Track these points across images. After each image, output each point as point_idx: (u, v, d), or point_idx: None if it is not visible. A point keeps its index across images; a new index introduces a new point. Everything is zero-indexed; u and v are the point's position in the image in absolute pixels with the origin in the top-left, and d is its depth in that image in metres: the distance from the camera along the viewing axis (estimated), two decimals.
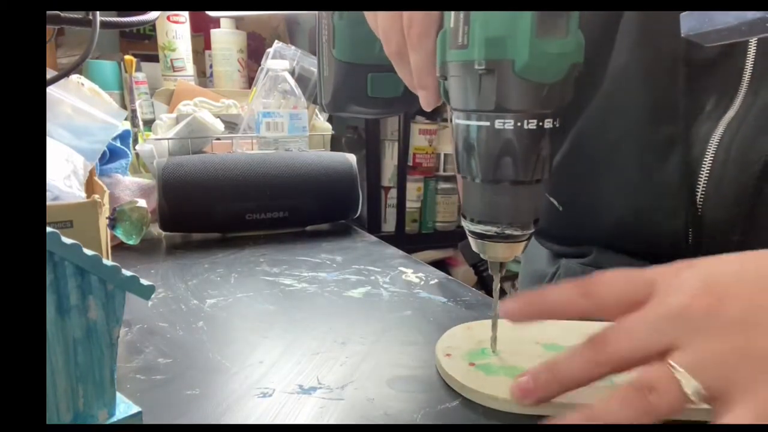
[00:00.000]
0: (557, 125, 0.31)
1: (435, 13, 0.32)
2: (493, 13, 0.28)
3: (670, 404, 0.27)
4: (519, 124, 0.30)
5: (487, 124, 0.31)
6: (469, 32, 0.29)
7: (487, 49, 0.29)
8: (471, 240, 0.35)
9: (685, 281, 0.29)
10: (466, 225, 0.34)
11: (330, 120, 1.05)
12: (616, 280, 0.30)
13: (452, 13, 0.30)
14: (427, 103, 0.36)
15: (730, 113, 0.43)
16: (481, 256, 0.35)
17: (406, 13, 0.33)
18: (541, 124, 0.30)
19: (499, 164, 0.31)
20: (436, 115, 1.66)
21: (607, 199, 0.51)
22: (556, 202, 0.55)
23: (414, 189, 1.69)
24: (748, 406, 0.26)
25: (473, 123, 0.31)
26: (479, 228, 0.33)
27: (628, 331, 0.29)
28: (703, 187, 0.44)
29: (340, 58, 0.42)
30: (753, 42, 0.42)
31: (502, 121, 0.30)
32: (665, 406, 0.27)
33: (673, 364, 0.27)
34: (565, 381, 0.31)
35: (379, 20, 0.35)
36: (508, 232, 0.33)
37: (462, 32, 0.30)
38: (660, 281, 0.30)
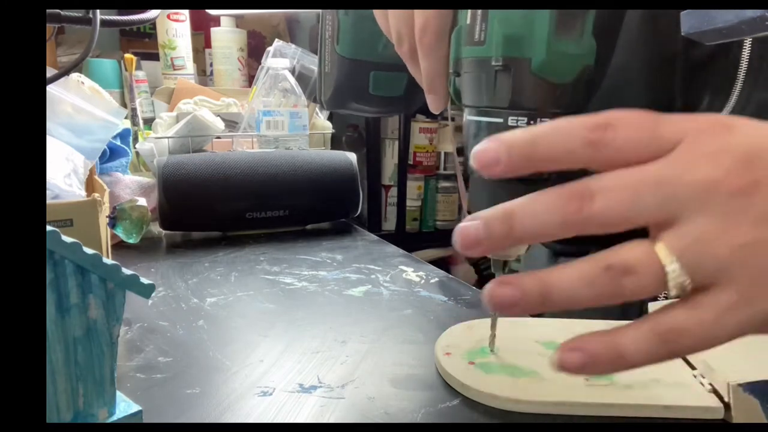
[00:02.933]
0: None
1: (448, 20, 0.32)
2: (512, 10, 0.28)
3: (644, 293, 0.23)
4: (532, 122, 0.30)
5: (500, 121, 0.31)
6: (487, 29, 0.29)
7: (505, 46, 0.29)
8: None
9: (724, 149, 0.22)
10: None
11: (330, 119, 1.05)
12: (637, 132, 0.23)
13: (469, 11, 0.30)
14: (435, 107, 0.36)
15: (725, 111, 0.43)
16: (486, 254, 0.35)
17: (418, 20, 0.33)
18: None
19: None
20: (437, 113, 1.66)
21: None
22: None
23: (414, 187, 1.69)
24: (734, 295, 0.22)
25: (485, 119, 0.31)
26: None
27: (632, 186, 0.23)
28: None
29: (343, 55, 0.42)
30: (749, 39, 0.42)
31: (516, 118, 0.30)
32: (638, 294, 0.23)
33: (662, 246, 0.22)
34: (525, 237, 0.25)
35: (391, 22, 0.35)
36: None
37: (479, 29, 0.30)
38: (691, 141, 0.23)
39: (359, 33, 0.41)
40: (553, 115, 0.30)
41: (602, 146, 0.23)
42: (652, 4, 0.43)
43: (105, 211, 0.52)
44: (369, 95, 0.43)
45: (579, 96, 0.31)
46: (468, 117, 0.33)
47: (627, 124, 0.23)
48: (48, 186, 0.49)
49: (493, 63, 0.29)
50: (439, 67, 0.33)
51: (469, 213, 0.35)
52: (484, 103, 0.31)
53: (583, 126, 0.24)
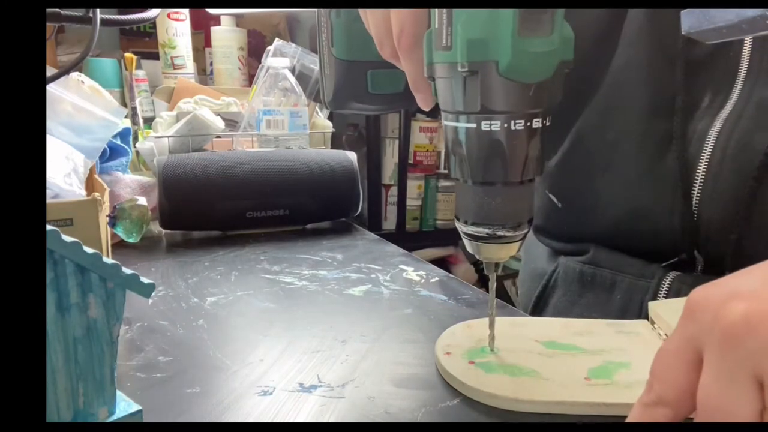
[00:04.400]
0: (547, 124, 0.31)
1: (424, 21, 0.32)
2: (475, 12, 0.28)
3: None
4: (506, 125, 0.30)
5: (474, 125, 0.30)
6: (452, 33, 0.29)
7: (470, 50, 0.28)
8: (465, 241, 0.35)
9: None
10: (460, 226, 0.34)
11: (330, 118, 1.05)
12: (666, 363, 0.25)
13: (436, 12, 0.30)
14: (424, 103, 0.36)
15: (727, 109, 0.43)
16: (477, 256, 0.35)
17: (395, 22, 0.32)
18: (529, 124, 0.30)
19: (487, 166, 0.31)
20: (437, 112, 1.65)
21: (605, 197, 0.51)
22: (555, 199, 0.55)
23: (414, 187, 1.69)
24: None
25: (460, 125, 0.31)
26: (472, 229, 0.33)
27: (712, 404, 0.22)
28: (699, 185, 0.44)
29: (339, 57, 0.42)
30: (749, 37, 0.42)
31: (489, 122, 0.30)
32: None
33: None
34: None
35: (371, 25, 0.35)
36: (500, 233, 0.33)
37: (446, 33, 0.29)
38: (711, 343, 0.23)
39: (352, 34, 0.41)
40: (531, 116, 0.30)
41: (656, 405, 0.25)
42: (653, 4, 0.43)
43: (105, 210, 0.52)
44: (369, 94, 0.43)
45: (559, 94, 0.30)
46: (445, 122, 0.32)
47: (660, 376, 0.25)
48: (48, 185, 0.49)
49: (460, 68, 0.29)
50: (419, 69, 0.33)
51: (457, 218, 0.35)
52: (458, 108, 0.31)
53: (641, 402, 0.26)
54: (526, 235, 0.34)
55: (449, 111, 0.32)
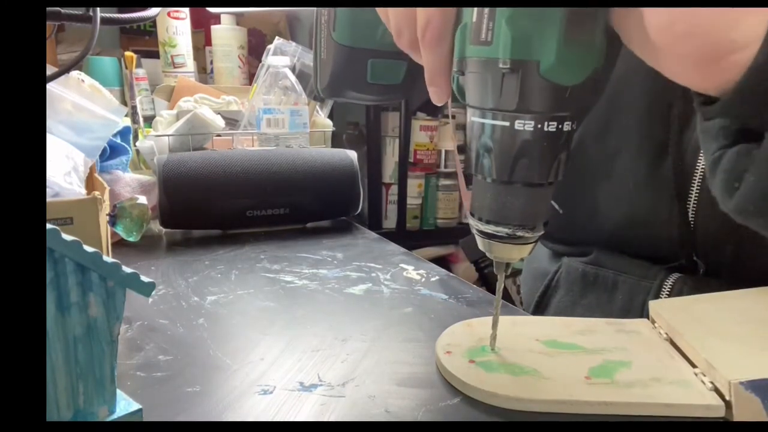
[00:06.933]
0: (574, 128, 0.30)
1: (452, 17, 0.31)
2: (522, 9, 0.27)
3: None
4: (539, 125, 0.29)
5: (506, 124, 0.30)
6: (494, 29, 0.28)
7: (513, 48, 0.28)
8: (478, 239, 0.34)
9: None
10: (475, 224, 0.34)
11: (331, 116, 1.05)
12: None
13: (475, 8, 0.29)
14: (438, 99, 0.35)
15: None
16: (488, 255, 0.34)
17: (421, 14, 0.32)
18: (560, 126, 0.30)
19: (515, 165, 0.30)
20: (437, 111, 1.66)
21: (604, 205, 0.51)
22: (556, 206, 0.55)
23: (415, 185, 1.69)
24: None
25: (490, 122, 0.30)
26: (489, 228, 0.33)
27: None
28: (695, 195, 0.44)
29: (340, 42, 0.41)
30: None
31: (522, 122, 0.29)
32: None
33: None
34: None
35: (390, 15, 0.34)
36: (518, 233, 0.32)
37: (486, 28, 0.28)
38: None
39: (357, 20, 0.40)
40: (563, 118, 0.30)
41: None
42: (655, 4, 0.43)
43: (105, 209, 0.52)
44: (367, 84, 0.42)
45: (587, 97, 0.30)
46: (472, 118, 0.32)
47: None
48: (48, 184, 0.49)
49: (501, 65, 0.28)
50: (441, 64, 0.32)
51: (471, 214, 0.34)
52: (490, 105, 0.30)
53: None
54: (540, 237, 0.34)
55: (479, 107, 0.31)
